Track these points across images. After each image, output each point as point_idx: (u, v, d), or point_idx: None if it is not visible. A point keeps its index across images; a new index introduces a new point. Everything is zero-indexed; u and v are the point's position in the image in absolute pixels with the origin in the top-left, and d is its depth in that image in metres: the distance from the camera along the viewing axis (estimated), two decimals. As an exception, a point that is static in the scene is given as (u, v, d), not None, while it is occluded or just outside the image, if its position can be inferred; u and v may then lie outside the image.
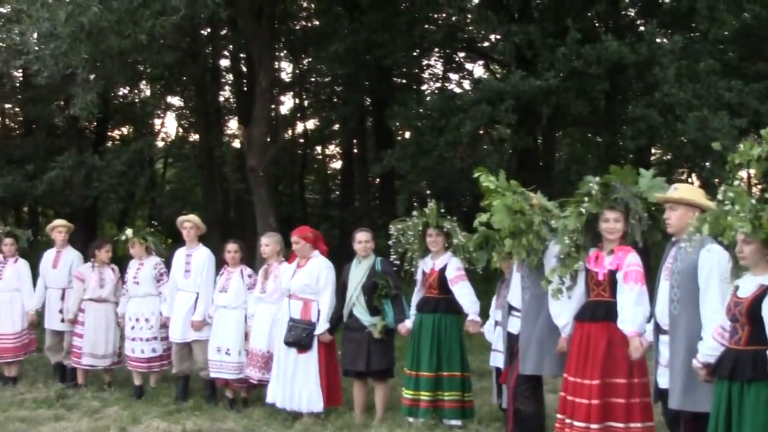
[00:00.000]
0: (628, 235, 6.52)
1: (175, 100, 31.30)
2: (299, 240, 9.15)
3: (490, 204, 7.19)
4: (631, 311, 6.31)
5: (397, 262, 8.91)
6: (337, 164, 34.21)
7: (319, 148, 34.38)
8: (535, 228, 6.96)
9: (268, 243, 9.60)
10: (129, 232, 10.73)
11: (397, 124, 20.31)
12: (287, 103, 30.41)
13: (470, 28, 21.97)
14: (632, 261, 6.44)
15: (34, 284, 11.21)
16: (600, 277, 6.54)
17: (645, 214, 6.48)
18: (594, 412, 6.37)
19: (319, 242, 9.28)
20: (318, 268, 9.01)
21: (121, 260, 11.07)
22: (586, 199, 6.56)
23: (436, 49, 25.00)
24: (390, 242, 8.94)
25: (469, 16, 20.21)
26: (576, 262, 6.64)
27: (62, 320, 10.91)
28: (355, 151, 27.50)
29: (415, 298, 8.76)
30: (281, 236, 9.93)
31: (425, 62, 26.92)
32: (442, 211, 8.68)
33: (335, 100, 26.99)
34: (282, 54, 26.59)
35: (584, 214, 6.53)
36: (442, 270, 8.46)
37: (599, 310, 6.54)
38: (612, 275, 6.48)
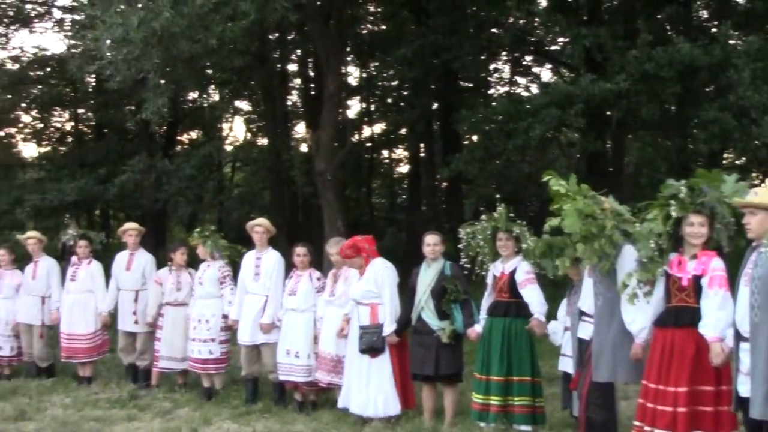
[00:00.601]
0: (712, 240, 6.39)
1: (244, 105, 31.60)
2: (341, 258, 9.29)
3: (560, 208, 7.08)
4: (714, 316, 6.16)
5: (468, 266, 8.84)
6: (403, 168, 34.18)
7: (385, 152, 34.37)
8: (608, 232, 6.83)
9: (337, 251, 9.59)
10: (195, 234, 10.84)
11: (465, 127, 20.21)
12: (354, 107, 30.52)
13: (538, 31, 21.79)
14: (717, 266, 6.29)
15: (107, 286, 11.37)
16: (684, 283, 6.39)
17: (732, 218, 6.35)
18: (681, 420, 6.22)
19: (362, 249, 9.20)
20: (374, 270, 9.02)
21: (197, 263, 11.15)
22: (672, 202, 6.43)
23: (504, 53, 24.85)
24: (460, 245, 8.87)
25: (537, 19, 20.04)
26: (659, 267, 6.49)
27: (135, 322, 11.06)
28: (423, 154, 27.44)
29: (486, 301, 8.67)
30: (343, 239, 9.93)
31: (492, 66, 26.78)
32: (511, 215, 8.60)
33: (402, 104, 26.95)
34: (349, 58, 26.66)
35: (672, 217, 6.40)
36: (512, 273, 8.36)
37: (684, 316, 6.38)
38: (696, 281, 6.32)
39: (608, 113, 17.87)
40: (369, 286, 8.95)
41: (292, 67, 27.83)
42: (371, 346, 8.80)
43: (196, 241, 10.69)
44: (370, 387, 8.82)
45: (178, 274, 10.79)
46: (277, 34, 22.51)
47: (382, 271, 9.00)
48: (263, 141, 29.63)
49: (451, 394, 8.84)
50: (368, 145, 31.65)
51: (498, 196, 9.45)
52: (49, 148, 30.90)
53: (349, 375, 9.04)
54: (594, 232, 6.84)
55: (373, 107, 30.61)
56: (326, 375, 9.29)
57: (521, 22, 20.58)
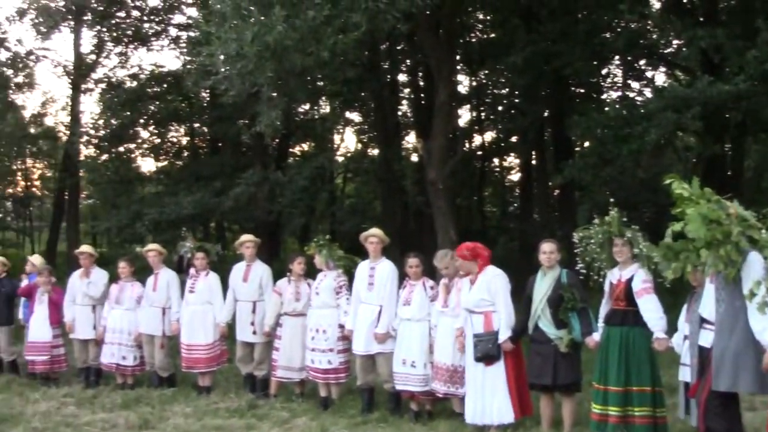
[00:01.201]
0: None
1: (354, 116, 31.84)
2: (458, 259, 9.19)
3: (682, 212, 6.88)
4: None
5: (583, 272, 8.67)
6: (515, 176, 33.96)
7: (496, 160, 34.19)
8: (734, 239, 6.60)
9: (447, 265, 9.57)
10: (312, 244, 10.91)
11: (578, 133, 19.94)
12: (465, 115, 30.44)
13: (652, 34, 21.36)
14: None
15: (224, 297, 11.54)
16: None
17: None
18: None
19: (479, 255, 9.15)
20: (486, 278, 8.97)
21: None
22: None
23: (616, 57, 24.44)
24: (576, 251, 8.71)
25: (651, 21, 19.65)
26: None
27: (253, 332, 11.20)
28: (534, 162, 27.20)
29: (603, 309, 8.50)
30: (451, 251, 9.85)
31: (605, 70, 26.36)
32: (624, 219, 8.41)
33: (513, 111, 26.76)
34: (459, 67, 26.60)
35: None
36: (629, 281, 8.17)
37: None
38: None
39: (726, 116, 17.39)
40: (482, 294, 8.91)
41: (402, 77, 27.92)
42: (486, 354, 8.76)
43: (313, 250, 10.78)
44: (485, 395, 8.79)
45: (297, 284, 10.87)
46: (387, 45, 22.59)
47: (495, 279, 8.95)
48: (374, 151, 29.81)
49: (569, 403, 8.72)
50: (479, 153, 31.53)
51: (612, 201, 9.26)
52: (166, 163, 31.70)
53: (467, 384, 9.00)
54: (719, 238, 6.62)
55: (483, 115, 30.46)
56: (443, 385, 9.26)
57: (634, 25, 20.21)
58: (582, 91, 25.52)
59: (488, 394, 8.76)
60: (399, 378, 9.64)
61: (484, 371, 8.80)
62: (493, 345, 8.75)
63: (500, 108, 29.07)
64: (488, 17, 25.19)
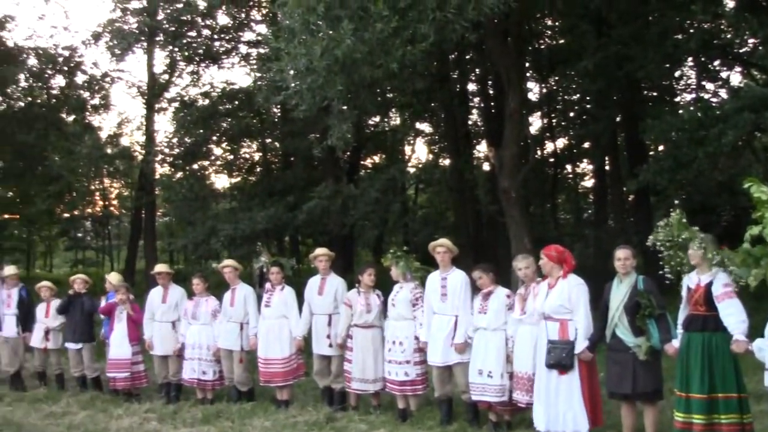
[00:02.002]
0: None
1: (424, 126, 31.83)
2: (543, 257, 9.10)
3: (762, 216, 6.74)
4: None
5: (670, 277, 8.48)
6: (588, 182, 33.59)
7: (569, 167, 33.87)
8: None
9: (527, 266, 9.47)
10: (388, 255, 10.90)
11: (652, 137, 19.65)
12: (535, 122, 30.23)
13: (726, 33, 20.98)
14: None
15: (300, 311, 11.59)
16: None
17: None
18: None
19: (566, 260, 9.06)
20: (568, 286, 8.87)
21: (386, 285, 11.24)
22: None
23: (690, 58, 24.05)
24: (661, 255, 8.52)
25: (725, 21, 19.29)
26: None
27: (329, 345, 11.22)
28: (608, 167, 26.88)
29: (681, 315, 8.34)
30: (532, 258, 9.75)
31: (678, 72, 25.95)
32: (684, 220, 8.23)
33: (585, 117, 26.49)
34: (528, 74, 26.43)
35: None
36: (708, 286, 8.00)
37: None
38: None
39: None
40: (561, 302, 8.82)
41: (472, 86, 27.84)
42: (558, 362, 8.68)
43: (389, 262, 10.77)
44: (558, 403, 8.70)
45: (367, 295, 10.89)
46: (455, 54, 22.56)
47: (578, 288, 8.85)
48: (445, 161, 29.75)
49: (651, 412, 8.57)
50: (551, 160, 31.27)
51: (676, 202, 9.09)
52: (239, 179, 32.02)
53: (537, 392, 8.92)
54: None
55: (555, 122, 30.22)
56: (524, 395, 9.15)
57: (707, 25, 19.88)
58: (655, 94, 25.18)
59: (562, 402, 8.67)
60: (476, 388, 9.57)
61: (557, 379, 8.71)
62: (567, 354, 8.65)
63: (572, 114, 28.84)
64: (557, 23, 25.00)
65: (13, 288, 14.14)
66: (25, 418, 10.85)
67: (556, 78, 26.83)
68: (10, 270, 14.33)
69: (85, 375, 13.43)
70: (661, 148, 21.35)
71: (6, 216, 40.54)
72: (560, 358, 8.67)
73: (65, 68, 32.25)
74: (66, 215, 47.38)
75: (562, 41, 25.47)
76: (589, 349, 8.72)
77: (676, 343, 8.26)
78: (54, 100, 33.31)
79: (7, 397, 12.59)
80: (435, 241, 10.55)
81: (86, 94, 33.56)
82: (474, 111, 29.34)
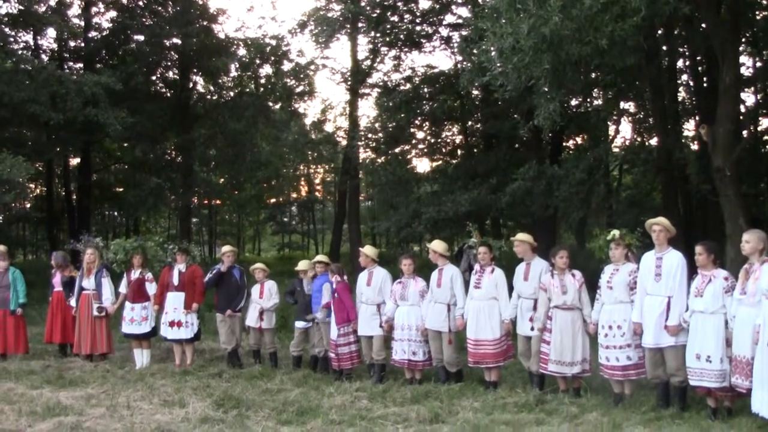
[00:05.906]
0: None
1: (629, 105, 31.00)
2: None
3: None
4: None
5: None
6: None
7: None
8: None
9: (749, 240, 9.03)
10: (615, 232, 10.61)
11: None
12: (749, 98, 28.83)
13: None
14: None
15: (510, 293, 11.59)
16: None
17: None
18: None
19: None
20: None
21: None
22: None
23: None
24: None
25: None
26: None
27: (531, 328, 11.17)
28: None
29: None
30: (764, 234, 9.24)
31: None
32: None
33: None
34: (741, 48, 25.24)
35: None
36: None
37: None
38: None
39: None
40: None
41: (679, 63, 26.85)
42: None
43: (616, 240, 10.47)
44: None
45: (561, 277, 10.76)
46: (663, 29, 21.81)
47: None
48: (652, 141, 28.87)
49: None
50: (765, 138, 29.80)
51: None
52: (440, 162, 32.19)
53: (756, 374, 8.49)
54: None
55: (770, 97, 28.75)
56: (744, 380, 8.74)
57: None
58: None
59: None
60: (693, 373, 9.26)
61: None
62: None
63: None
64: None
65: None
66: (243, 393, 11.27)
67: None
68: (226, 248, 14.86)
69: (301, 355, 13.82)
70: None
71: (218, 201, 42.46)
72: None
73: (272, 57, 33.33)
74: (273, 200, 49.21)
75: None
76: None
77: None
78: (262, 89, 34.53)
79: (226, 374, 13.11)
80: (652, 219, 10.25)
81: (292, 82, 34.59)
82: (680, 88, 28.28)
